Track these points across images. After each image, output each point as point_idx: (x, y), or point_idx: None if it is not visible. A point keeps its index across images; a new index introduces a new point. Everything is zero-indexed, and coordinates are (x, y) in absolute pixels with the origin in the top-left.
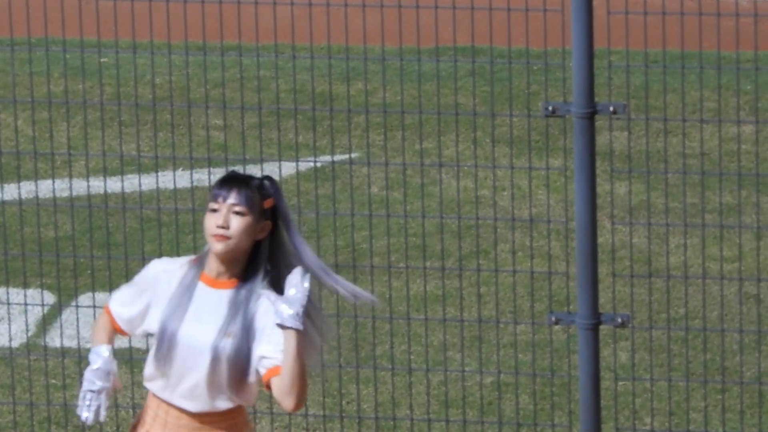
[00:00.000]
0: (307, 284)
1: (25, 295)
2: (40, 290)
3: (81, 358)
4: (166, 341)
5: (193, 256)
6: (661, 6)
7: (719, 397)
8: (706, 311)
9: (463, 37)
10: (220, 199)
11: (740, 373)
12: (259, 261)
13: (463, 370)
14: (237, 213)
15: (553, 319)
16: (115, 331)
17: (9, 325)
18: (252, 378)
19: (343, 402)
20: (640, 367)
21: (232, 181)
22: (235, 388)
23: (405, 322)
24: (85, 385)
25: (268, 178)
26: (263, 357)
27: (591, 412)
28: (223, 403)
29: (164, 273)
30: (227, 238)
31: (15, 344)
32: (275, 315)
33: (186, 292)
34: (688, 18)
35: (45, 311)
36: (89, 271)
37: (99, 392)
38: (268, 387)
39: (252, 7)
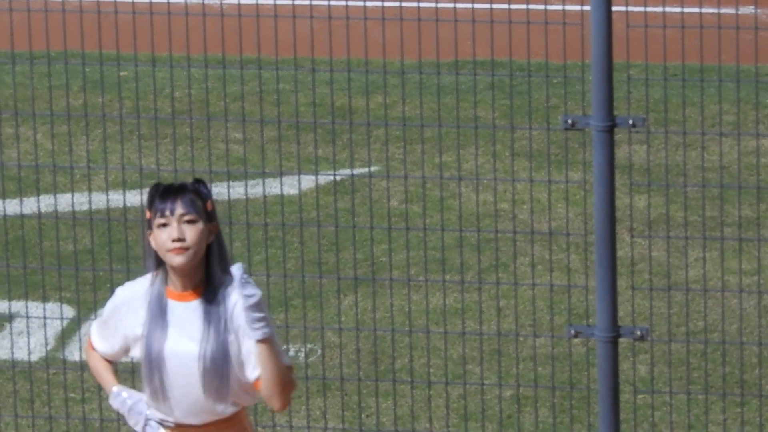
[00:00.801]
0: (250, 290)
1: (44, 309)
2: (59, 304)
3: None
4: (155, 369)
5: (152, 273)
6: (681, 19)
7: (738, 410)
8: (725, 324)
9: (483, 50)
10: (168, 213)
11: (759, 386)
12: (214, 264)
13: (482, 383)
14: (188, 222)
15: (573, 332)
16: (110, 363)
17: (28, 338)
18: (252, 374)
19: (363, 415)
20: (660, 380)
21: (171, 192)
22: (238, 388)
23: (424, 336)
24: (136, 428)
25: (200, 181)
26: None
27: (610, 425)
28: (227, 409)
29: (131, 301)
30: (186, 249)
31: (34, 358)
32: (250, 332)
33: (159, 315)
34: (707, 31)
35: (64, 325)
36: (108, 285)
37: (146, 423)
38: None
39: (271, 20)
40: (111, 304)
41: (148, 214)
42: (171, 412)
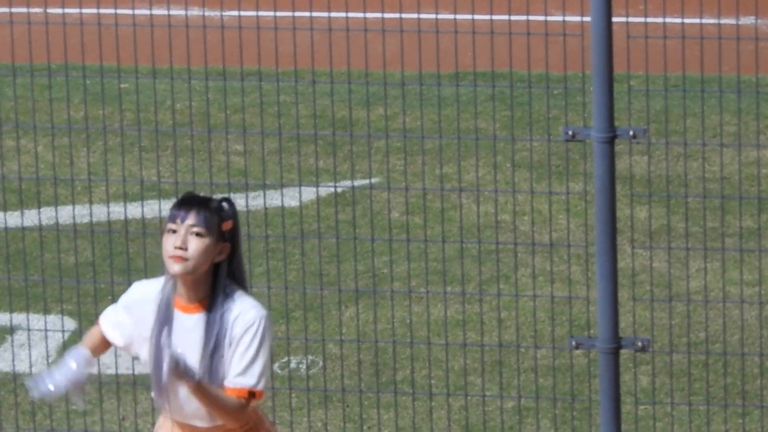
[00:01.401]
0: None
1: (45, 321)
2: (60, 316)
3: (101, 384)
4: (159, 375)
5: (166, 275)
6: (681, 30)
7: (740, 421)
8: (726, 335)
9: (483, 61)
10: (179, 220)
11: (761, 397)
12: (219, 283)
13: (483, 394)
14: (195, 234)
15: (574, 343)
16: (106, 344)
17: (30, 351)
18: (225, 382)
19: (365, 427)
20: (661, 392)
21: (190, 202)
22: None
23: (426, 347)
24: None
25: (227, 200)
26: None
27: None
28: None
29: (145, 302)
30: (185, 259)
31: (36, 370)
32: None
33: (165, 322)
34: (708, 42)
35: (65, 337)
36: (110, 297)
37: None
38: None
39: (272, 32)
40: (126, 298)
41: (166, 218)
42: (179, 413)
